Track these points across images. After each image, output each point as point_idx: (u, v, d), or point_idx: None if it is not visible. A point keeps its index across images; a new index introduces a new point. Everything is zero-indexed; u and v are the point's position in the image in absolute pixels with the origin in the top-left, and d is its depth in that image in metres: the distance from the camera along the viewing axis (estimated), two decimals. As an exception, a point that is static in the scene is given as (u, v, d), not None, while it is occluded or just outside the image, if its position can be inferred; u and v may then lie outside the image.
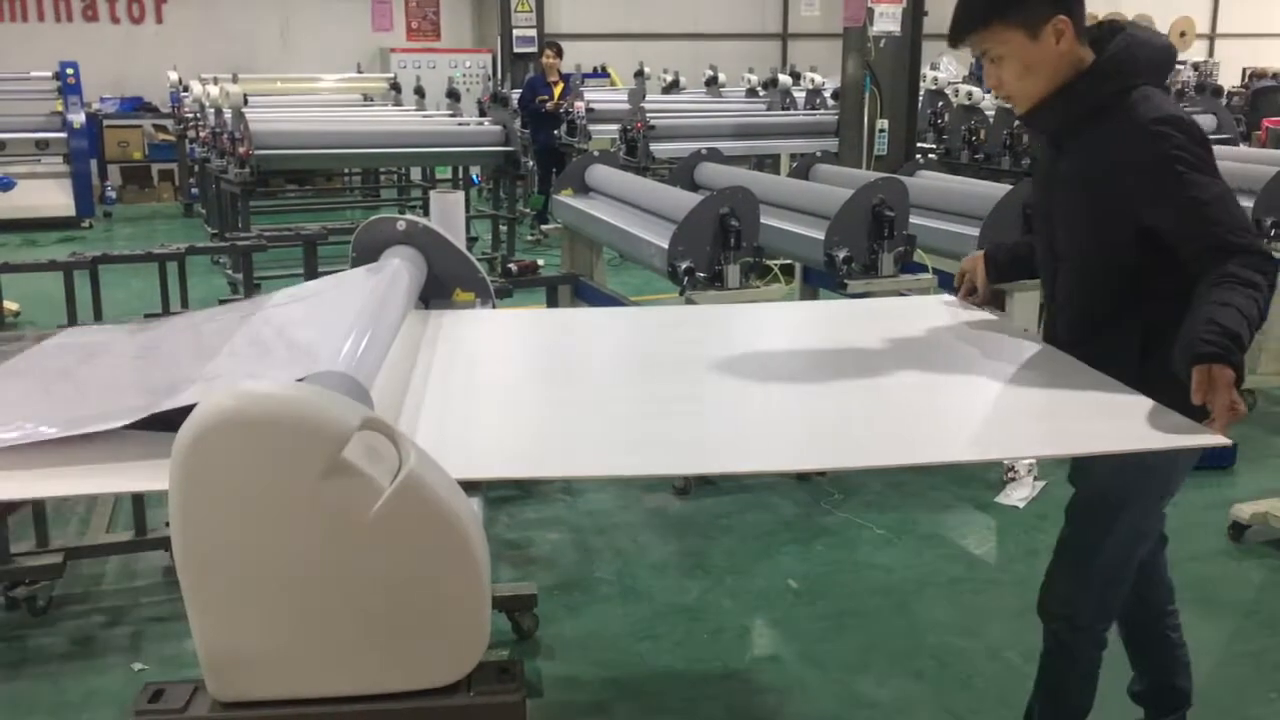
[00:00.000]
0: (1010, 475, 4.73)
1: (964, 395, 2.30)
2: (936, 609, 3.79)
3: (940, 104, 9.75)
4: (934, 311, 2.84)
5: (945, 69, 12.82)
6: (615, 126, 9.79)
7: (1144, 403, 2.06)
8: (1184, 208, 2.17)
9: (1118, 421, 2.02)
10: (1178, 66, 17.84)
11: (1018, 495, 4.63)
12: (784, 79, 11.94)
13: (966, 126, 8.77)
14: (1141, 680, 2.80)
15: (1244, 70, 18.22)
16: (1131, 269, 2.29)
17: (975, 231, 5.15)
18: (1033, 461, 4.77)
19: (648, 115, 9.26)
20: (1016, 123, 8.21)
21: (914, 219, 5.03)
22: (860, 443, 2.07)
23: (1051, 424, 2.15)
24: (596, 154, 6.88)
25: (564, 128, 10.58)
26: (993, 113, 8.57)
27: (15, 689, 3.25)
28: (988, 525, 4.48)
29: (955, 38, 2.30)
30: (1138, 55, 2.27)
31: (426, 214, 4.14)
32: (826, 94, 11.15)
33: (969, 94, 8.91)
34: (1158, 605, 2.69)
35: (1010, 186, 5.45)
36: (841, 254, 4.75)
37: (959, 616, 3.72)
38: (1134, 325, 2.30)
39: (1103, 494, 2.41)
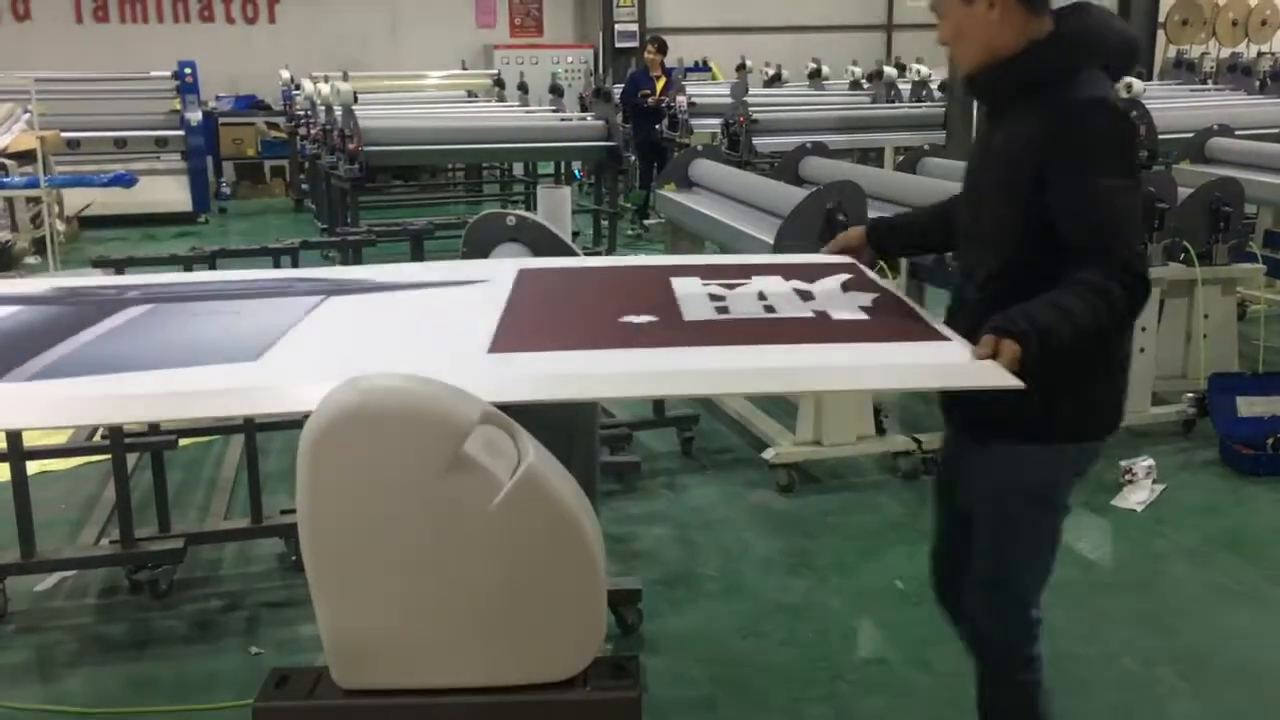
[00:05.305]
0: (1127, 478, 4.58)
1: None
2: (1050, 613, 3.63)
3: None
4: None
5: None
6: (717, 121, 9.75)
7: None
8: (1078, 191, 2.13)
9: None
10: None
11: (1135, 498, 4.48)
12: (889, 71, 11.75)
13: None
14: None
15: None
16: (1042, 250, 2.21)
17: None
18: (1151, 464, 4.62)
19: (750, 109, 9.19)
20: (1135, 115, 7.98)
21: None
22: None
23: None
24: (700, 148, 6.82)
25: (665, 122, 10.58)
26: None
27: (139, 669, 3.36)
28: (1103, 528, 4.34)
29: None
30: (1087, 37, 2.24)
31: (529, 208, 4.18)
32: (933, 86, 10.94)
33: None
34: None
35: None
36: (951, 249, 4.65)
37: (1074, 621, 3.61)
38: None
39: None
